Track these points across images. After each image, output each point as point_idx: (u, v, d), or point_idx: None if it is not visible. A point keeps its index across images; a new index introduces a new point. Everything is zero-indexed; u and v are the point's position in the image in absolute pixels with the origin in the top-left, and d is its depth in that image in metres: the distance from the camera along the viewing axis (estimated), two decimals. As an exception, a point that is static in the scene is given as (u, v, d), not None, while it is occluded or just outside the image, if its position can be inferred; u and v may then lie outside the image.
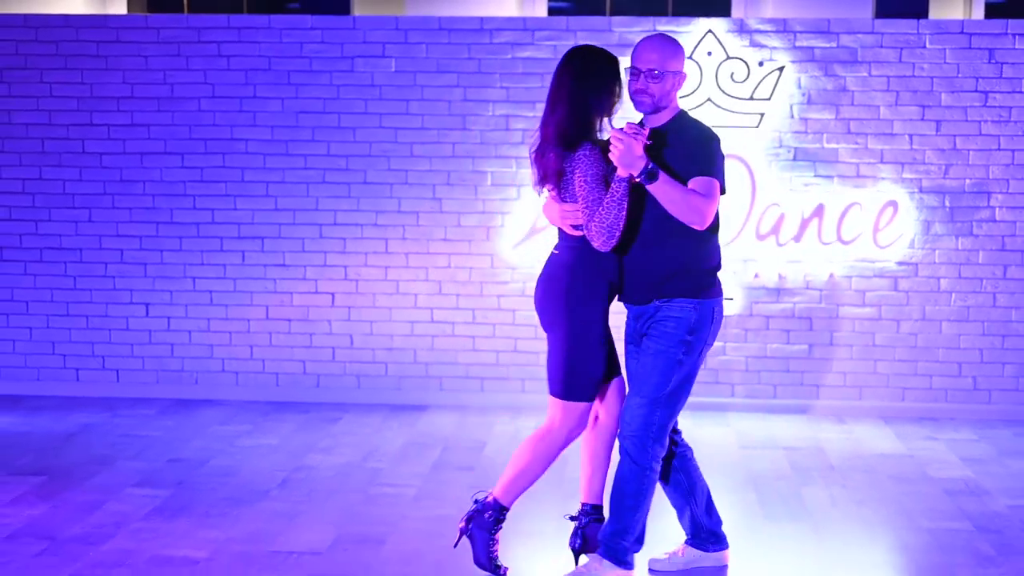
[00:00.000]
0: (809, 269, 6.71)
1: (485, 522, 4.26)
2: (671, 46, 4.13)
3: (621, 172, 3.97)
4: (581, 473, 4.35)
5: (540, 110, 6.58)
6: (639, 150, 3.94)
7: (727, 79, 6.59)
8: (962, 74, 6.57)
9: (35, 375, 7.03)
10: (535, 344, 6.76)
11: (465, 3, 8.29)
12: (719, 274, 4.24)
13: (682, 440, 4.39)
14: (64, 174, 6.92)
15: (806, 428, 6.46)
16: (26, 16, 6.91)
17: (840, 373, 6.75)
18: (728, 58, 6.59)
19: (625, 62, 4.19)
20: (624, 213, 3.99)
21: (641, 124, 4.12)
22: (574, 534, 4.33)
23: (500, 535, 4.30)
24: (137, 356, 6.99)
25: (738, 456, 5.92)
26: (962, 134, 6.60)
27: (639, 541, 4.24)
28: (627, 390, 4.26)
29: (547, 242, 6.59)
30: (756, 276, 6.72)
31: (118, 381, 7.00)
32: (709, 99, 6.58)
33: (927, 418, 6.68)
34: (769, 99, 6.61)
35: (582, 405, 4.20)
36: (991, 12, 8.22)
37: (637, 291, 4.18)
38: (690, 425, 4.49)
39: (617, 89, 4.15)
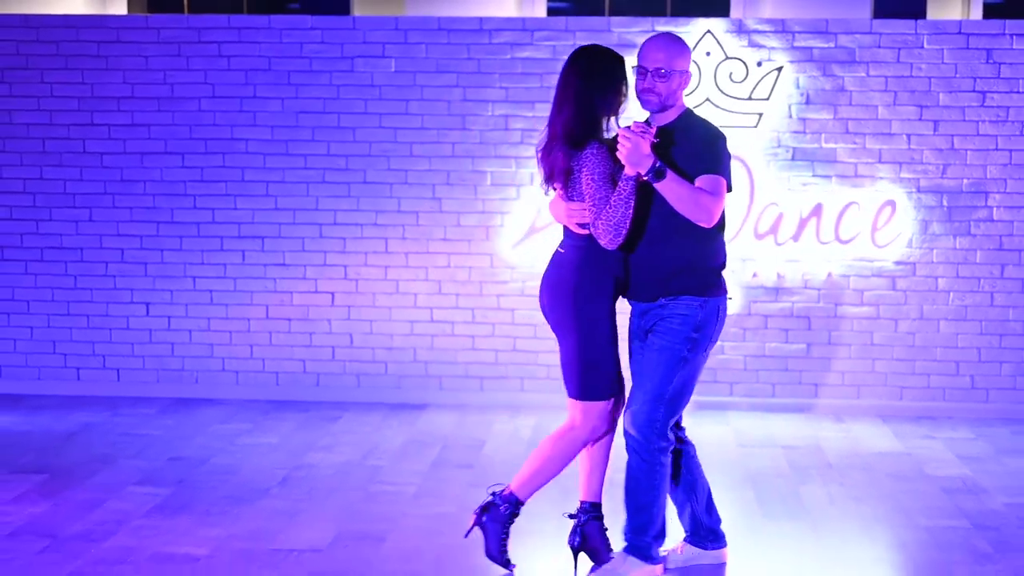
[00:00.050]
0: (807, 268, 6.73)
1: (500, 515, 4.29)
2: (678, 45, 4.15)
3: (628, 170, 3.98)
4: (580, 471, 4.36)
5: (539, 110, 6.67)
6: (646, 148, 3.95)
7: (726, 79, 6.61)
8: (960, 74, 6.59)
9: (36, 374, 7.05)
10: (534, 343, 6.78)
11: (465, 3, 8.30)
12: (724, 273, 4.27)
13: (686, 437, 4.41)
14: (65, 174, 6.94)
15: (804, 427, 6.48)
16: (27, 16, 6.93)
17: (838, 372, 6.77)
18: (727, 58, 6.61)
19: (631, 61, 4.21)
20: (631, 211, 4.00)
21: (647, 123, 4.14)
22: (573, 532, 4.35)
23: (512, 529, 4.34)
24: (138, 355, 7.01)
25: (736, 454, 5.94)
26: (960, 134, 6.62)
27: (661, 535, 4.28)
28: (628, 388, 4.29)
29: (547, 242, 6.61)
30: (754, 275, 6.74)
31: (119, 380, 7.02)
32: (708, 99, 6.60)
33: (925, 417, 6.70)
34: (767, 99, 6.63)
35: (601, 404, 4.21)
36: (989, 12, 8.24)
37: (643, 288, 4.20)
38: (689, 424, 4.50)
39: (623, 88, 4.16)
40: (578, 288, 4.16)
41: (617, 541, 4.36)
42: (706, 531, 4.44)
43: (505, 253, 6.82)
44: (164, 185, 6.90)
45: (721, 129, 4.23)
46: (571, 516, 4.37)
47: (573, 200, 4.15)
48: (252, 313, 6.94)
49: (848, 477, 5.59)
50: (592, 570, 4.28)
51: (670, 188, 3.99)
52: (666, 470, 4.20)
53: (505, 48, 6.73)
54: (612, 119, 4.17)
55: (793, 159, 6.68)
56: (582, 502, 4.35)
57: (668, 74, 4.10)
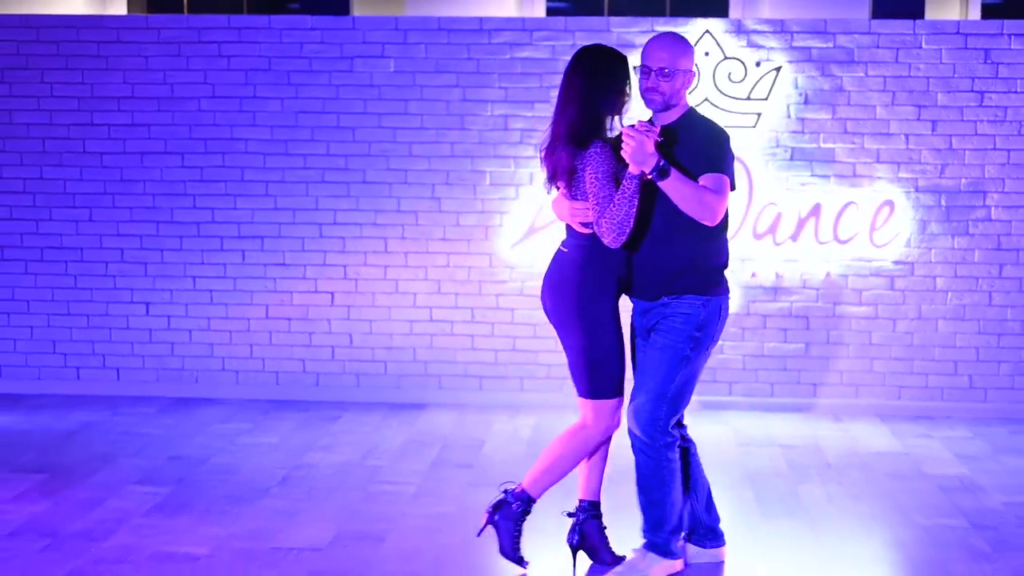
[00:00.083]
0: (806, 268, 6.74)
1: (512, 512, 4.30)
2: (681, 45, 4.16)
3: (632, 169, 3.99)
4: (579, 470, 4.37)
5: (538, 110, 6.69)
6: (651, 147, 3.96)
7: (724, 79, 6.62)
8: (958, 74, 6.60)
9: (36, 374, 7.06)
10: (533, 343, 6.79)
11: (464, 3, 8.31)
12: (726, 272, 4.29)
13: (687, 435, 4.42)
14: (65, 174, 6.95)
15: (803, 426, 6.49)
16: (27, 16, 6.94)
17: (837, 371, 6.79)
18: (725, 58, 6.62)
19: (634, 60, 4.22)
20: (635, 210, 4.01)
21: (651, 122, 4.16)
22: (572, 530, 4.36)
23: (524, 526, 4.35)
24: (137, 355, 7.02)
25: (735, 454, 5.95)
26: (958, 134, 6.63)
27: (679, 529, 4.30)
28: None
29: (546, 241, 6.62)
30: (753, 275, 6.75)
31: (119, 380, 7.03)
32: (707, 99, 6.61)
33: (923, 416, 6.71)
34: (766, 99, 6.64)
35: (611, 402, 4.23)
36: (987, 12, 8.24)
37: (646, 287, 4.21)
38: (688, 423, 4.51)
39: (627, 88, 4.17)
40: (581, 287, 4.17)
41: (617, 540, 4.37)
42: (705, 529, 4.46)
43: (504, 253, 6.83)
44: (164, 185, 6.92)
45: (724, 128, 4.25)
46: (570, 515, 4.38)
47: (577, 199, 4.16)
48: (252, 313, 6.96)
49: (846, 476, 5.60)
50: (606, 569, 4.29)
51: (674, 187, 4.00)
52: (675, 465, 4.22)
53: (504, 48, 6.74)
54: (616, 118, 4.18)
55: (792, 159, 6.69)
56: (581, 500, 4.37)
57: (672, 73, 4.11)
